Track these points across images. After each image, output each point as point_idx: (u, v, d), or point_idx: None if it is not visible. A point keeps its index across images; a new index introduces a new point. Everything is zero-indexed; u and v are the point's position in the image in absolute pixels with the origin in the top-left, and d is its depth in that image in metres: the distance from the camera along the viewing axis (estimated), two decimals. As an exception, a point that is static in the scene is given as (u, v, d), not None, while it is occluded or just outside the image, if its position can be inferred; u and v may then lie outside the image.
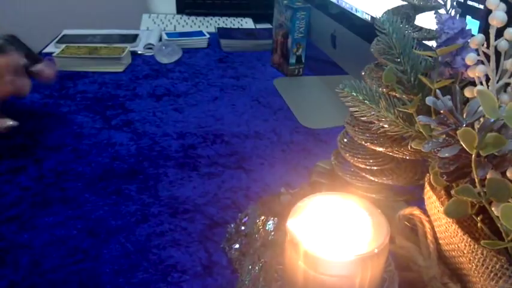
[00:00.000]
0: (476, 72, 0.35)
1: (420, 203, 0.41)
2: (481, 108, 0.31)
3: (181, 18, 1.43)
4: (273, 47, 1.08)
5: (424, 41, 0.48)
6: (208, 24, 1.40)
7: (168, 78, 1.02)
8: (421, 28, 0.46)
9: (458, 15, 0.40)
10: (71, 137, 0.75)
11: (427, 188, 0.38)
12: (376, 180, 0.47)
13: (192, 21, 1.42)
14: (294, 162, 0.70)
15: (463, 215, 0.33)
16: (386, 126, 0.41)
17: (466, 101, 0.35)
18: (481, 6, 0.47)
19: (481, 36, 0.35)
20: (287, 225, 0.34)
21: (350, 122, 0.47)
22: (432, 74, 0.40)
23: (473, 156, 0.30)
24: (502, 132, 0.30)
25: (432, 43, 0.46)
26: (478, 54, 0.35)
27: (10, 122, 0.67)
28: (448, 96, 0.33)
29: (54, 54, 1.03)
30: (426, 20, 0.47)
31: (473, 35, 0.36)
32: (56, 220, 0.56)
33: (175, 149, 0.73)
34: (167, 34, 1.22)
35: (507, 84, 0.34)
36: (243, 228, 0.51)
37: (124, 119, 0.82)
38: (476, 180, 0.30)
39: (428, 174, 0.39)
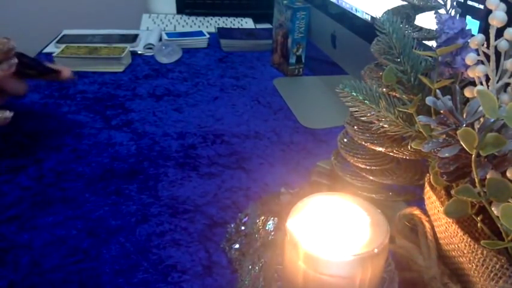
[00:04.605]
0: (476, 72, 0.35)
1: (420, 203, 0.41)
2: (481, 108, 0.31)
3: (181, 18, 1.43)
4: (273, 47, 1.08)
5: (424, 41, 0.48)
6: (208, 24, 1.40)
7: (168, 78, 1.02)
8: (421, 28, 0.46)
9: (458, 15, 0.40)
10: (71, 137, 0.75)
11: (427, 188, 0.38)
12: (376, 180, 0.47)
13: (192, 21, 1.42)
14: (294, 162, 0.70)
15: (463, 215, 0.33)
16: (386, 126, 0.41)
17: (466, 101, 0.35)
18: (481, 6, 0.47)
19: (481, 36, 0.35)
20: (287, 225, 0.34)
21: (350, 122, 0.47)
22: (432, 74, 0.40)
23: (473, 156, 0.30)
24: (502, 132, 0.30)
25: (432, 43, 0.46)
26: (478, 54, 0.35)
27: (7, 113, 0.66)
28: (448, 96, 0.33)
29: (54, 54, 1.03)
30: (426, 20, 0.47)
31: (473, 35, 0.36)
32: (56, 220, 0.56)
33: (175, 149, 0.73)
34: (167, 34, 1.22)
35: (507, 84, 0.34)
36: (243, 228, 0.51)
37: (124, 119, 0.82)
38: (476, 180, 0.30)
39: (428, 174, 0.39)
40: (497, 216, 0.30)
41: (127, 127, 0.79)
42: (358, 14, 0.80)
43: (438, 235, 0.38)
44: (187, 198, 0.61)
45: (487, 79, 0.35)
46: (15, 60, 0.68)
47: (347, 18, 0.85)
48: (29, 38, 1.06)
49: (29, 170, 0.66)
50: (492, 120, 0.29)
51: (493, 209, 0.30)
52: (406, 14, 0.46)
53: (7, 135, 0.74)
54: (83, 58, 1.03)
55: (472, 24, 0.48)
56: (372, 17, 0.75)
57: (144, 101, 0.90)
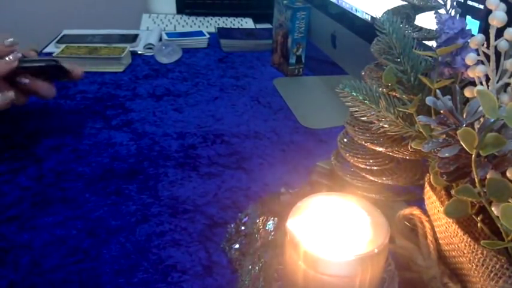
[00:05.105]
0: (476, 72, 0.35)
1: (420, 203, 0.41)
2: (481, 108, 0.31)
3: (181, 18, 1.43)
4: (273, 47, 1.08)
5: (424, 41, 0.48)
6: (208, 24, 1.40)
7: (168, 78, 1.02)
8: (421, 28, 0.46)
9: (458, 15, 0.40)
10: (71, 137, 0.75)
11: (427, 188, 0.38)
12: (376, 180, 0.47)
13: (192, 21, 1.42)
14: (294, 162, 0.70)
15: (463, 215, 0.33)
16: (386, 126, 0.41)
17: (466, 101, 0.35)
18: (481, 6, 0.47)
19: (481, 36, 0.35)
20: (287, 225, 0.34)
21: (350, 122, 0.47)
22: (432, 74, 0.40)
23: (473, 156, 0.30)
24: (502, 132, 0.30)
25: (432, 43, 0.46)
26: (478, 54, 0.35)
27: (10, 93, 0.66)
28: (448, 96, 0.33)
29: (54, 54, 1.03)
30: (426, 20, 0.47)
31: (473, 35, 0.36)
32: (56, 220, 0.56)
33: (175, 149, 0.73)
34: (167, 34, 1.22)
35: (507, 84, 0.34)
36: (243, 228, 0.51)
37: (124, 119, 0.82)
38: (476, 180, 0.30)
39: (428, 174, 0.39)
40: (497, 216, 0.30)
41: (127, 127, 0.79)
42: (358, 14, 0.80)
43: (438, 235, 0.38)
44: (187, 198, 0.61)
45: (487, 79, 0.35)
46: (19, 54, 0.68)
47: (347, 18, 0.85)
48: (29, 38, 1.06)
49: (29, 170, 0.66)
50: (492, 120, 0.29)
51: (493, 209, 0.30)
52: (406, 14, 0.46)
53: (7, 135, 0.74)
54: (82, 58, 1.03)
55: (472, 24, 0.48)
56: (372, 17, 0.75)
57: (144, 101, 0.89)
